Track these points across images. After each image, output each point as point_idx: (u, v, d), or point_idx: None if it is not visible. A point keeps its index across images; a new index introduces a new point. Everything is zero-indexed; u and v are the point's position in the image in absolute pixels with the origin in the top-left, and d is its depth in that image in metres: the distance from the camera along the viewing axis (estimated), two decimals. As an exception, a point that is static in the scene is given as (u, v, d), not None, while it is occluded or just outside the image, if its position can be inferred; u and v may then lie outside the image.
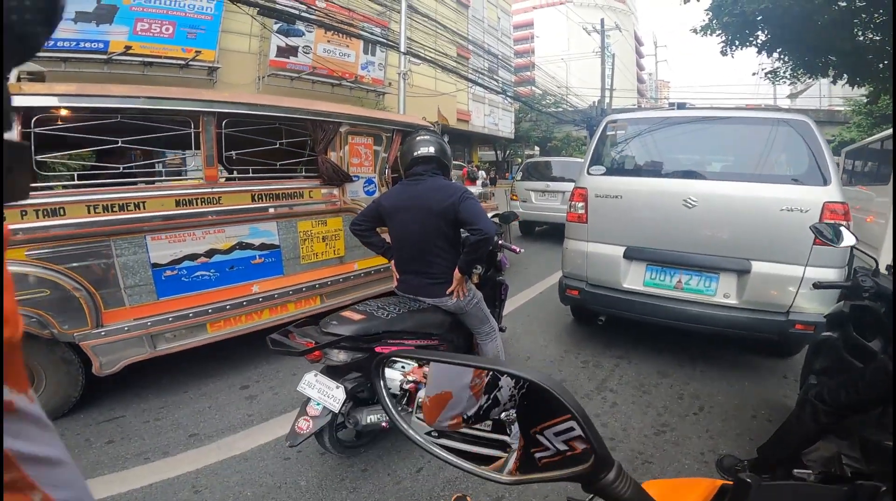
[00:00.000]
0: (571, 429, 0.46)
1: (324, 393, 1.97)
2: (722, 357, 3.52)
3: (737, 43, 9.96)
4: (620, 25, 25.74)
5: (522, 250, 3.08)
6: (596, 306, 3.40)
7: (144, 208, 2.61)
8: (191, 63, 11.21)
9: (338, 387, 1.97)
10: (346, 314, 2.13)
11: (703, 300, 2.98)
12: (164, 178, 2.66)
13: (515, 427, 0.53)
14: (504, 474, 0.52)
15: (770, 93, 32.21)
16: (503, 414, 0.53)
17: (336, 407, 1.94)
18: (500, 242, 2.89)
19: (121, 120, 2.57)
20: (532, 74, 31.43)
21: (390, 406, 0.59)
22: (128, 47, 10.24)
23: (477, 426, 0.55)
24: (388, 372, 0.60)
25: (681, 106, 4.15)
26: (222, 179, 3.02)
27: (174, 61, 11.06)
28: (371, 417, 2.11)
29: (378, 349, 2.04)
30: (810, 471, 1.80)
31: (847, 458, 1.58)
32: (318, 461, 2.25)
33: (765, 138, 2.99)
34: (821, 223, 2.12)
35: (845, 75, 9.71)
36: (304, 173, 3.45)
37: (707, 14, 10.03)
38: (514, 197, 8.94)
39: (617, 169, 3.45)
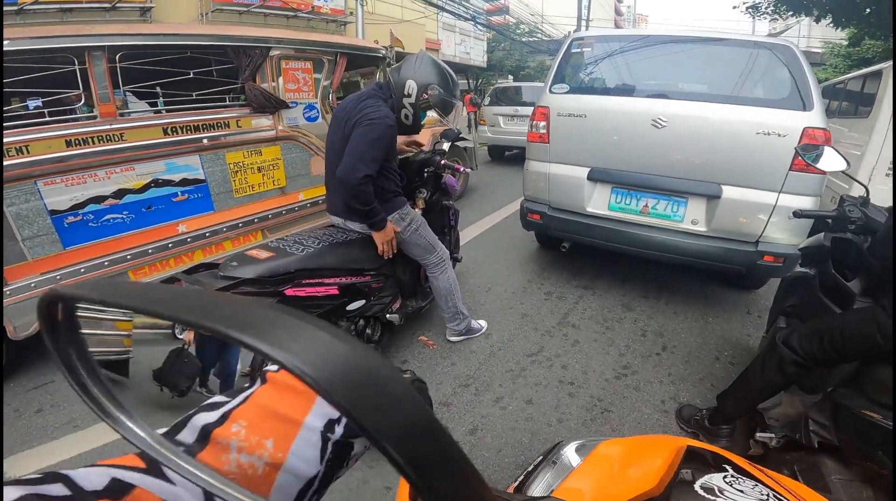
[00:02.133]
0: None
1: None
2: (687, 288, 3.43)
3: None
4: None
5: (473, 169, 2.81)
6: (558, 231, 3.23)
7: (28, 153, 2.23)
8: (118, 5, 9.97)
9: None
10: (252, 253, 1.86)
11: (669, 227, 2.82)
12: (46, 120, 2.28)
13: None
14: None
15: (749, 30, 31.22)
16: None
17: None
18: (442, 161, 2.60)
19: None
20: (505, 2, 29.78)
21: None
22: (41, -6, 9.00)
23: None
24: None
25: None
26: (127, 115, 2.62)
27: (98, 5, 9.80)
28: None
29: (289, 292, 1.78)
30: (773, 435, 1.65)
31: (815, 423, 1.43)
32: None
33: (744, 62, 2.73)
34: (810, 145, 1.88)
35: (830, 15, 9.32)
36: (231, 102, 3.04)
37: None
38: (483, 122, 8.80)
39: (582, 88, 3.14)
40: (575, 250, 3.58)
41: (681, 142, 2.71)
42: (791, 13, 10.63)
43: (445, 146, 2.97)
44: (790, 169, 2.46)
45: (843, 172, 1.70)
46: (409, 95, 2.07)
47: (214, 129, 2.86)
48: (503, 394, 2.27)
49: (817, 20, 9.83)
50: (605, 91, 3.08)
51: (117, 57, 2.47)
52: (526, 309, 3.10)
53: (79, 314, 0.24)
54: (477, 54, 26.76)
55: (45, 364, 2.55)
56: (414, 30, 19.16)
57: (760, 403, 1.71)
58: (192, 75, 2.87)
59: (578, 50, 3.24)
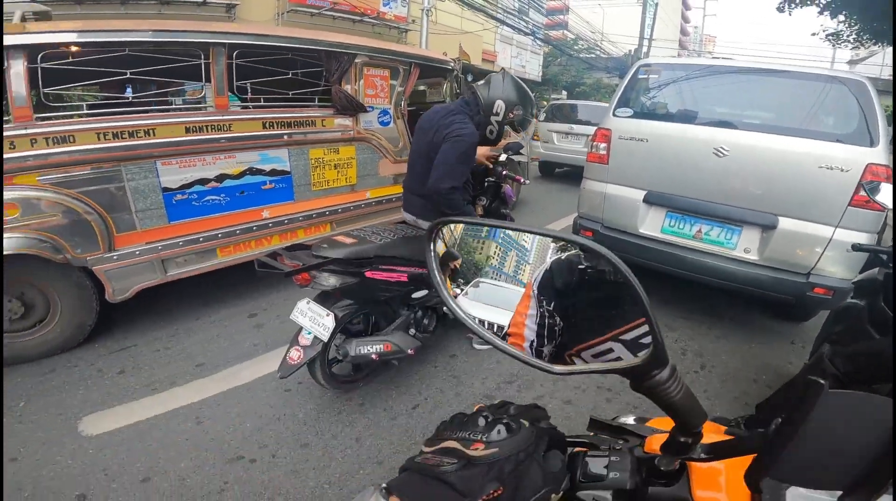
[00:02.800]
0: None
1: (314, 321, 1.95)
2: (732, 315, 3.46)
3: (797, 1, 9.17)
4: (669, -27, 23.78)
5: (527, 181, 2.99)
6: (610, 249, 3.32)
7: (154, 135, 2.59)
8: (208, 1, 10.84)
9: (328, 315, 1.95)
10: (339, 237, 2.09)
11: (721, 253, 2.88)
12: (173, 107, 2.68)
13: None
14: (555, 364, 0.48)
15: (828, 56, 29.70)
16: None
17: (325, 336, 1.93)
18: (503, 172, 2.79)
19: (129, 53, 2.52)
20: (565, 17, 29.69)
21: (439, 280, 0.54)
22: (142, -13, 9.91)
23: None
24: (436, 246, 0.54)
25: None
26: (235, 108, 2.98)
27: (191, 0, 10.68)
28: (361, 348, 2.08)
29: (368, 274, 2.00)
30: None
31: None
32: (318, 393, 2.30)
33: (812, 95, 2.77)
34: (872, 181, 1.96)
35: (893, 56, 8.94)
36: (317, 103, 3.36)
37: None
38: (537, 137, 8.79)
39: (645, 113, 3.26)
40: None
41: (741, 171, 2.77)
42: (873, 42, 10.20)
43: (504, 158, 3.15)
44: (849, 204, 2.49)
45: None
46: (497, 114, 2.27)
47: (303, 126, 3.19)
48: (544, 393, 2.41)
49: None
50: (668, 117, 3.18)
51: (234, 54, 2.81)
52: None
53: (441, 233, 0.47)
54: (532, 68, 26.77)
55: (129, 329, 2.85)
56: (472, 41, 19.53)
57: None
58: (290, 75, 3.21)
59: (645, 76, 3.35)
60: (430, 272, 0.53)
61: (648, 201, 3.06)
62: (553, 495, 0.48)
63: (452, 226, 0.56)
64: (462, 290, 0.53)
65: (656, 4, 22.79)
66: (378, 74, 3.58)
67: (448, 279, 0.54)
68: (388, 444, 2.02)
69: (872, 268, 2.00)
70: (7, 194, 2.22)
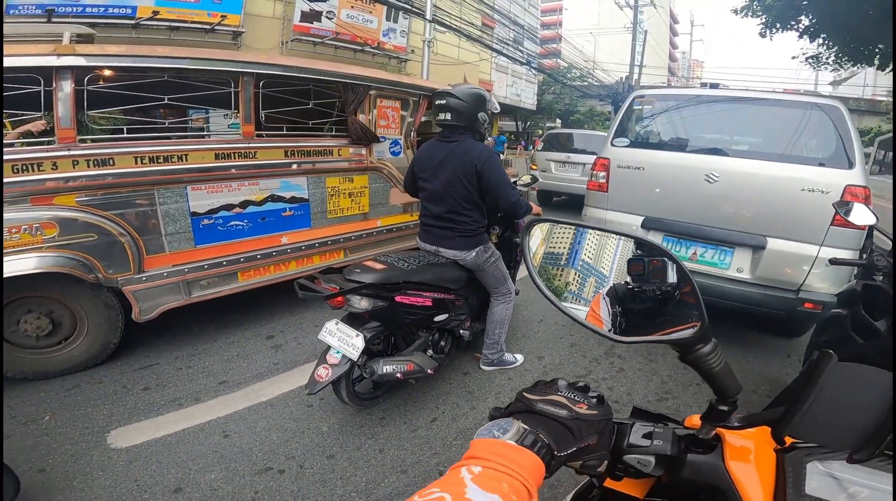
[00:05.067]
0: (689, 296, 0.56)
1: (343, 341, 2.06)
2: (730, 333, 3.61)
3: (778, 25, 9.60)
4: (656, 2, 24.72)
5: (541, 212, 3.16)
6: None
7: (186, 160, 2.74)
8: (216, 28, 11.25)
9: (357, 335, 2.05)
10: (369, 263, 2.21)
11: (716, 273, 3.05)
12: (207, 133, 2.82)
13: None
14: (621, 335, 0.61)
15: (811, 78, 30.83)
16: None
17: (355, 355, 2.03)
18: None
19: (166, 79, 2.70)
20: (558, 46, 30.58)
21: (533, 270, 0.67)
22: (155, 12, 10.34)
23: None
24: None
25: (713, 86, 4.10)
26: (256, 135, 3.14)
27: (200, 26, 11.13)
28: (387, 367, 2.16)
29: (398, 299, 2.15)
30: None
31: None
32: (340, 408, 2.39)
33: (794, 121, 2.99)
34: (841, 201, 2.15)
35: (893, 65, 9.32)
36: (333, 132, 3.56)
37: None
38: (534, 166, 8.94)
39: (641, 142, 3.48)
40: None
41: (731, 196, 2.97)
42: (852, 64, 10.64)
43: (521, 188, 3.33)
44: (832, 224, 2.67)
45: (873, 226, 1.95)
46: (483, 122, 2.50)
47: (322, 155, 3.37)
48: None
49: (881, 69, 9.80)
50: (663, 146, 3.39)
51: (260, 84, 2.99)
52: (575, 340, 3.35)
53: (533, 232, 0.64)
54: (527, 96, 27.32)
55: (151, 348, 2.94)
56: (469, 70, 20.15)
57: None
58: (310, 106, 3.39)
59: (640, 106, 3.59)
60: (527, 266, 0.68)
61: (646, 226, 3.24)
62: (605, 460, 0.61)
63: (562, 240, 0.70)
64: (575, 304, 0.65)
65: (645, 32, 23.53)
66: (390, 106, 3.78)
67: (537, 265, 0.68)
68: (410, 454, 2.13)
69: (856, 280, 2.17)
70: (47, 214, 2.32)
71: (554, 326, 3.58)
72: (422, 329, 2.48)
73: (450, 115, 2.38)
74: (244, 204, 3.02)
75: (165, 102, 2.83)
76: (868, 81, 33.28)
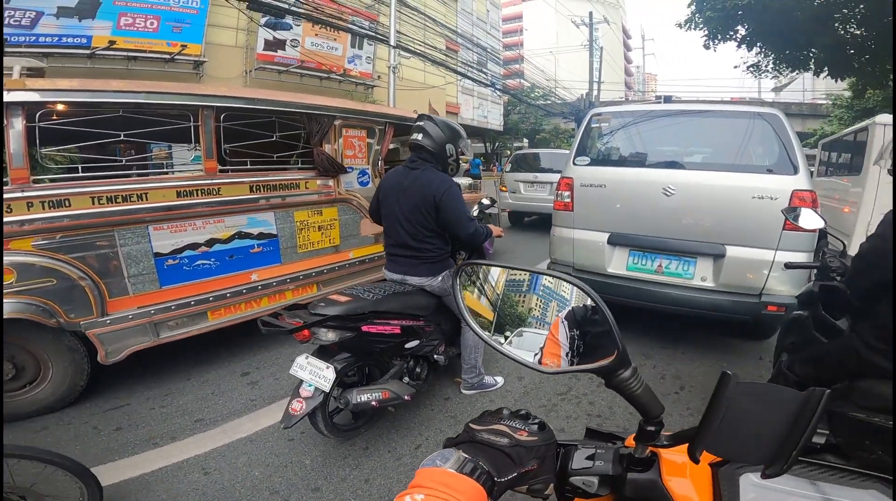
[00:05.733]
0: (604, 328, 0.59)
1: (314, 374, 2.06)
2: (702, 340, 3.70)
3: (718, 37, 10.10)
4: (609, 18, 25.92)
5: (502, 235, 3.22)
6: None
7: (147, 199, 2.69)
8: (176, 58, 11.15)
9: (328, 367, 2.06)
10: (334, 296, 2.23)
11: (681, 284, 3.15)
12: (167, 170, 2.76)
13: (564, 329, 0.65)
14: (547, 367, 0.64)
15: (755, 86, 32.60)
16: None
17: (326, 387, 2.03)
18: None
19: (122, 114, 2.65)
20: (521, 66, 31.50)
21: (463, 308, 0.71)
22: (111, 42, 10.20)
23: (532, 329, 0.68)
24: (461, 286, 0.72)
25: (667, 99, 4.31)
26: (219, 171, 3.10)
27: (159, 56, 11.00)
28: (361, 396, 2.17)
29: (364, 328, 2.15)
30: None
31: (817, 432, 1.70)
32: (321, 441, 2.36)
33: (740, 131, 3.14)
34: (789, 207, 2.26)
35: (826, 69, 9.89)
36: (299, 165, 3.55)
37: (690, 8, 10.16)
38: (504, 188, 9.05)
39: (601, 160, 3.59)
40: (595, 308, 3.89)
41: (688, 208, 3.09)
42: (790, 70, 11.21)
43: (476, 213, 3.36)
44: (783, 228, 2.80)
45: (823, 229, 2.05)
46: (450, 155, 2.56)
47: (289, 189, 3.35)
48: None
49: (816, 74, 10.37)
50: (622, 162, 3.52)
51: (221, 117, 2.96)
52: (552, 357, 3.38)
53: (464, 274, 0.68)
54: (494, 117, 27.90)
55: (120, 388, 2.86)
56: (436, 94, 20.53)
57: None
58: (274, 138, 3.37)
59: (597, 124, 3.71)
60: (457, 304, 0.71)
61: (612, 242, 3.33)
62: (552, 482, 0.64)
63: (493, 280, 0.73)
64: (507, 339, 0.68)
65: (601, 48, 24.48)
66: (356, 135, 3.81)
67: (471, 310, 0.72)
68: (396, 483, 2.10)
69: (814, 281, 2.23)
70: (3, 259, 2.23)
71: (530, 345, 3.59)
72: (395, 357, 2.48)
73: (421, 135, 2.47)
74: (210, 242, 2.97)
75: (122, 138, 2.77)
76: (807, 86, 35.29)
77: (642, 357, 3.38)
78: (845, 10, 8.76)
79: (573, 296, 0.65)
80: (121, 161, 2.85)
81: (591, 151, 3.63)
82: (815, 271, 2.08)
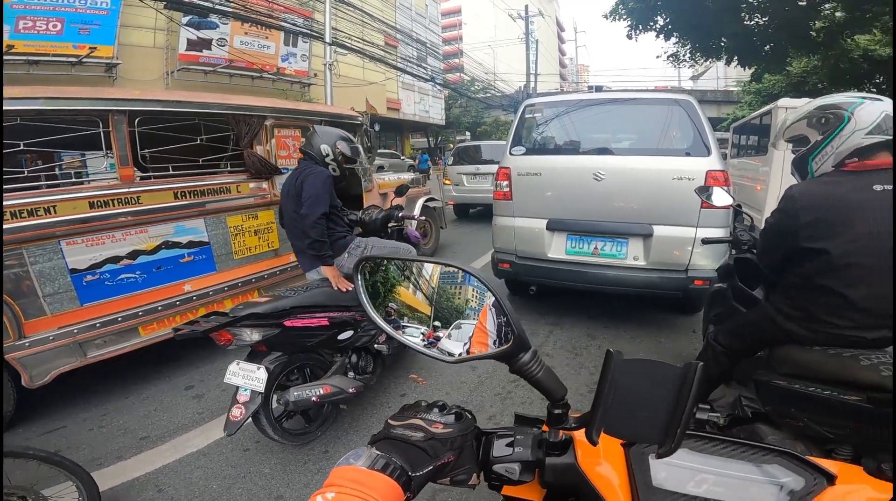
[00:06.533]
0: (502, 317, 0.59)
1: (247, 377, 2.04)
2: (641, 317, 3.90)
3: (640, 28, 10.57)
4: (543, 11, 26.54)
5: (423, 218, 3.27)
6: (526, 276, 3.65)
7: (56, 212, 2.48)
8: (85, 61, 10.35)
9: (259, 368, 2.04)
10: (254, 299, 2.22)
11: (616, 264, 3.30)
12: (81, 180, 2.54)
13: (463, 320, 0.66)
14: (449, 355, 0.65)
15: (675, 75, 34.72)
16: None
17: (260, 387, 2.01)
18: (399, 214, 3.03)
19: (19, 122, 2.41)
20: (460, 61, 31.70)
21: (366, 302, 0.70)
22: (10, 46, 9.36)
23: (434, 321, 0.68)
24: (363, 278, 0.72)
25: (598, 88, 4.47)
26: (138, 178, 2.92)
27: (65, 59, 10.20)
28: (301, 393, 2.15)
29: (288, 323, 2.11)
30: (719, 414, 2.05)
31: (746, 399, 1.76)
32: (279, 448, 2.31)
33: (661, 117, 3.34)
34: (702, 186, 2.42)
35: (736, 57, 10.62)
36: (229, 168, 3.39)
37: (614, -1, 10.56)
38: (447, 181, 9.12)
39: (536, 149, 3.70)
40: (542, 292, 4.03)
41: (617, 191, 3.25)
42: (704, 59, 11.92)
43: (399, 200, 3.39)
44: (701, 207, 2.99)
45: (738, 206, 2.19)
46: (328, 155, 2.72)
47: (218, 194, 3.19)
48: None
49: (727, 62, 11.08)
50: (555, 150, 3.64)
51: (136, 121, 2.78)
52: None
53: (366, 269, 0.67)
54: (436, 112, 27.95)
55: (54, 411, 2.67)
56: (376, 91, 20.24)
57: (709, 394, 2.05)
58: (198, 141, 3.21)
59: (531, 115, 3.81)
60: (360, 299, 0.70)
61: (551, 228, 3.44)
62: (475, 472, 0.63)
63: (428, 274, 0.71)
64: (446, 333, 0.67)
65: (537, 41, 25.07)
66: (289, 135, 3.69)
67: (373, 302, 0.71)
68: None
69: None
70: None
71: (480, 333, 3.66)
72: (335, 353, 2.46)
73: (304, 141, 2.78)
74: (133, 254, 2.78)
75: (21, 148, 2.53)
76: (720, 74, 37.92)
77: (588, 338, 3.52)
78: (751, 0, 9.39)
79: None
80: (22, 173, 2.58)
81: (526, 141, 3.72)
82: (730, 244, 2.22)
